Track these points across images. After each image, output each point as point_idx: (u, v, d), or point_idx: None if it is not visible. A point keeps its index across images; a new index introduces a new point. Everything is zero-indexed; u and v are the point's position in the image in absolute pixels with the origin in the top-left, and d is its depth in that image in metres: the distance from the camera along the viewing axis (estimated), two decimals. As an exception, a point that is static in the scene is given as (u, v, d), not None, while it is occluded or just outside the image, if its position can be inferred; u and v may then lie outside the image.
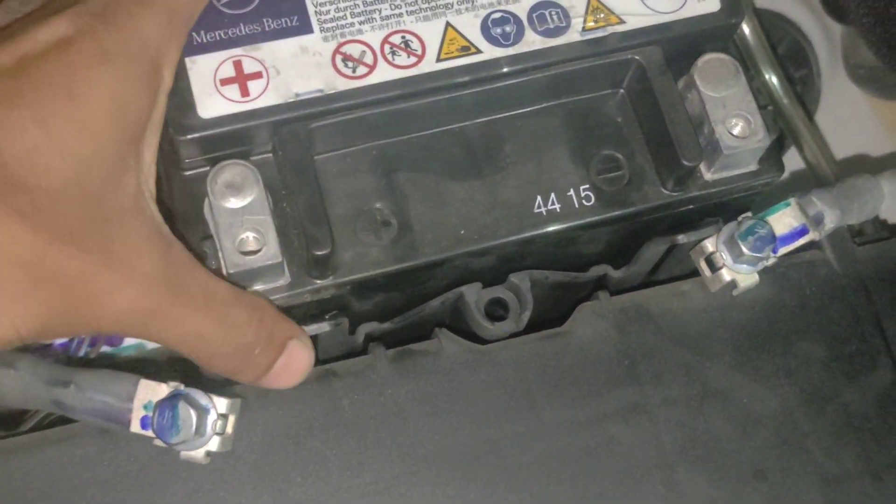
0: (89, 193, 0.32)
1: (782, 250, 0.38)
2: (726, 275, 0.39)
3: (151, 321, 0.33)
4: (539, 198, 0.39)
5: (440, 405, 0.39)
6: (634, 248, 0.42)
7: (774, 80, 0.49)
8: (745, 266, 0.38)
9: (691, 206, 0.41)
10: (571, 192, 0.39)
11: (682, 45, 0.40)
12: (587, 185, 0.39)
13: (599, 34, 0.39)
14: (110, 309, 0.32)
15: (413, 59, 0.38)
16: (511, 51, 0.38)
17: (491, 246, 0.39)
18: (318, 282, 0.37)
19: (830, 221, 0.39)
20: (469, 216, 0.39)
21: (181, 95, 0.36)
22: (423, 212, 0.39)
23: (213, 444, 0.36)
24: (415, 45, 0.38)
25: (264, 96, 0.37)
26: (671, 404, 0.40)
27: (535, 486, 0.38)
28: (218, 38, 0.37)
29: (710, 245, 0.39)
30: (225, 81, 0.37)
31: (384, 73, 0.38)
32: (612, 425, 0.39)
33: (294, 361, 0.37)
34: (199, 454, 0.36)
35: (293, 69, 0.37)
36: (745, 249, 0.38)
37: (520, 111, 0.40)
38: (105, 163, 0.32)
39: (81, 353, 0.41)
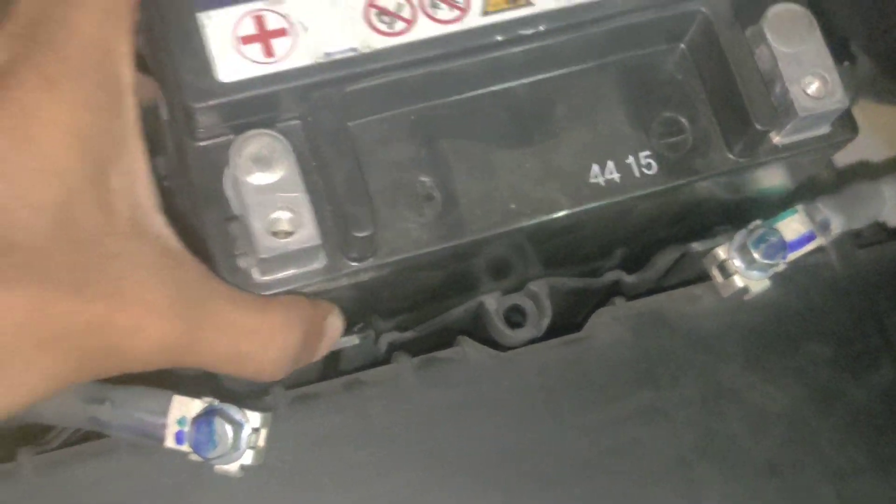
0: (78, 237, 0.29)
1: (791, 256, 0.40)
2: (739, 281, 0.40)
3: (181, 352, 0.31)
4: (595, 166, 0.36)
5: (465, 411, 0.40)
6: (689, 219, 0.40)
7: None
8: (756, 272, 0.40)
9: (756, 173, 0.38)
10: (631, 159, 0.36)
11: None
12: (647, 152, 0.36)
13: None
14: (134, 352, 0.30)
15: (456, 13, 0.34)
16: (565, 2, 0.35)
17: (545, 221, 0.35)
18: (357, 264, 0.34)
19: (836, 227, 0.40)
20: (519, 188, 0.35)
21: (196, 57, 0.32)
22: (469, 184, 0.35)
23: (247, 458, 0.37)
24: None
25: (291, 56, 0.33)
26: (688, 405, 0.41)
27: (559, 489, 0.40)
28: None
29: (722, 252, 0.40)
30: (246, 40, 0.33)
31: (424, 29, 0.34)
32: (633, 427, 0.41)
33: (331, 336, 0.36)
34: (233, 468, 0.37)
35: (322, 25, 0.33)
36: (757, 257, 0.39)
37: (570, 69, 0.36)
38: (83, 200, 0.29)
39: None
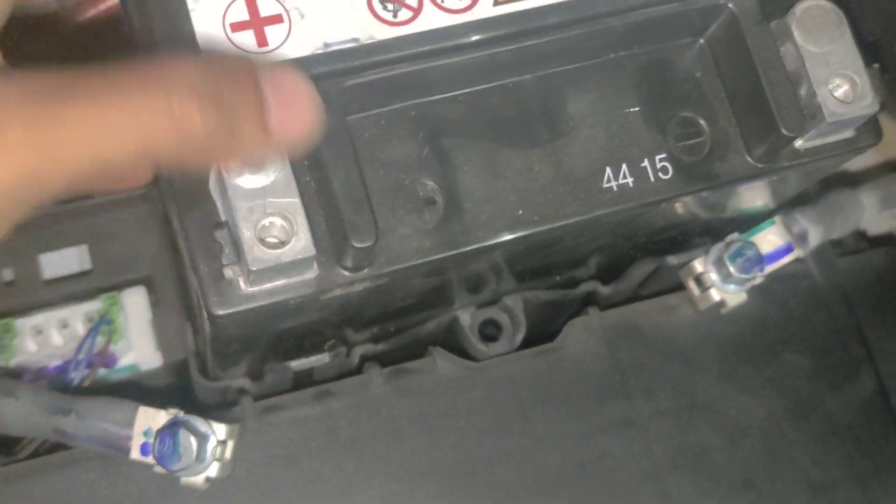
0: None
1: (769, 268, 0.39)
2: (715, 294, 0.39)
3: (40, 174, 0.23)
4: (609, 170, 0.33)
5: (435, 422, 0.40)
6: (681, 227, 0.39)
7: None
8: (733, 286, 0.39)
9: (774, 178, 0.36)
10: (646, 162, 0.34)
11: None
12: (663, 155, 0.34)
13: None
14: None
15: (466, 2, 0.32)
16: None
17: (553, 228, 0.33)
18: (352, 274, 0.31)
19: (815, 239, 0.40)
20: (528, 192, 0.33)
21: (182, 44, 0.30)
22: (474, 186, 0.32)
23: (213, 470, 0.36)
24: None
25: (286, 45, 0.30)
26: (661, 417, 0.41)
27: (530, 501, 0.39)
28: None
29: (698, 266, 0.39)
30: (237, 26, 0.30)
31: (432, 19, 0.31)
32: (605, 439, 0.40)
33: (288, 93, 0.26)
34: (198, 480, 0.37)
35: (321, 12, 0.31)
36: (733, 271, 0.38)
37: (583, 63, 0.34)
38: None
39: (77, 380, 0.41)
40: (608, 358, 0.41)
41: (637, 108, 0.34)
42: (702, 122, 0.34)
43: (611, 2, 0.32)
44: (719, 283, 0.39)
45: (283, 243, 0.29)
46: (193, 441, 0.36)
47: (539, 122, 0.33)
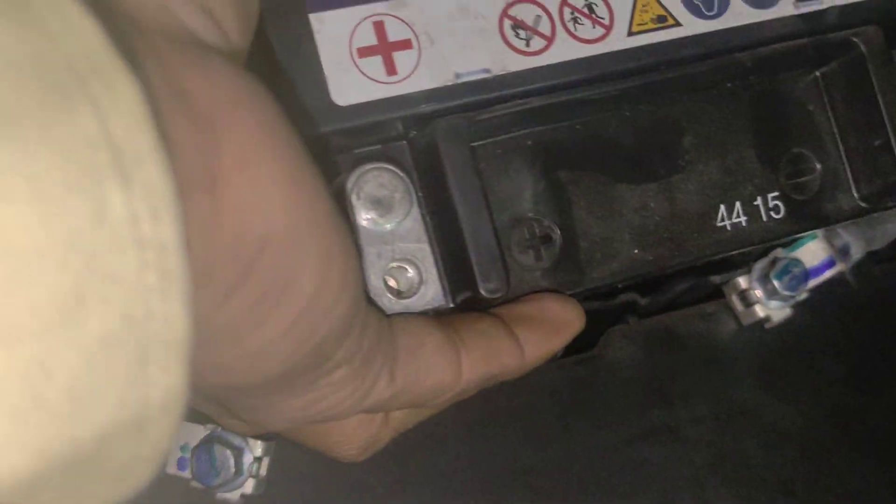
0: None
1: (812, 283, 0.39)
2: (760, 311, 0.39)
3: None
4: (723, 208, 0.32)
5: (477, 429, 0.40)
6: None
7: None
8: (777, 302, 0.39)
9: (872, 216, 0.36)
10: (759, 200, 0.33)
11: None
12: (776, 193, 0.33)
13: (816, 6, 0.32)
14: None
15: (600, 31, 0.30)
16: (716, 24, 0.31)
17: (666, 268, 0.32)
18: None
19: (856, 252, 0.40)
20: (643, 230, 0.32)
21: (308, 70, 0.27)
22: (590, 224, 0.31)
23: (248, 487, 0.36)
24: (601, 9, 0.30)
25: (416, 76, 0.28)
26: (700, 424, 0.41)
27: (571, 508, 0.40)
28: None
29: (743, 282, 0.39)
30: (364, 52, 0.28)
31: (565, 50, 0.30)
32: (645, 446, 0.40)
33: (550, 312, 0.30)
34: (234, 496, 0.36)
35: (451, 37, 0.29)
36: (779, 288, 0.38)
37: (699, 94, 0.33)
38: None
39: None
40: (647, 365, 0.41)
41: (750, 142, 0.33)
42: (813, 159, 0.33)
43: (744, 34, 0.31)
44: (764, 300, 0.39)
45: (410, 292, 0.28)
46: (229, 455, 0.36)
47: (655, 155, 0.32)
